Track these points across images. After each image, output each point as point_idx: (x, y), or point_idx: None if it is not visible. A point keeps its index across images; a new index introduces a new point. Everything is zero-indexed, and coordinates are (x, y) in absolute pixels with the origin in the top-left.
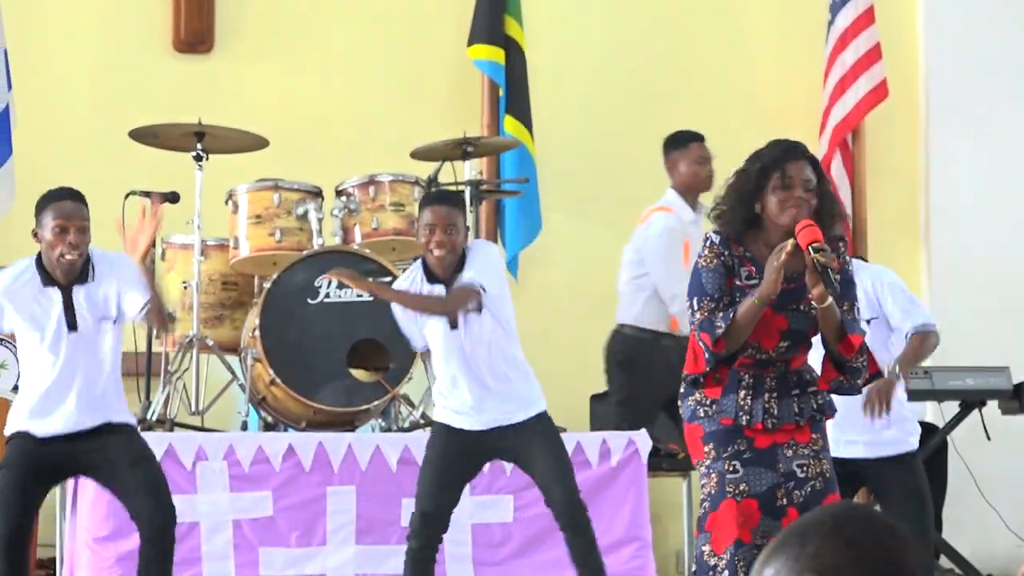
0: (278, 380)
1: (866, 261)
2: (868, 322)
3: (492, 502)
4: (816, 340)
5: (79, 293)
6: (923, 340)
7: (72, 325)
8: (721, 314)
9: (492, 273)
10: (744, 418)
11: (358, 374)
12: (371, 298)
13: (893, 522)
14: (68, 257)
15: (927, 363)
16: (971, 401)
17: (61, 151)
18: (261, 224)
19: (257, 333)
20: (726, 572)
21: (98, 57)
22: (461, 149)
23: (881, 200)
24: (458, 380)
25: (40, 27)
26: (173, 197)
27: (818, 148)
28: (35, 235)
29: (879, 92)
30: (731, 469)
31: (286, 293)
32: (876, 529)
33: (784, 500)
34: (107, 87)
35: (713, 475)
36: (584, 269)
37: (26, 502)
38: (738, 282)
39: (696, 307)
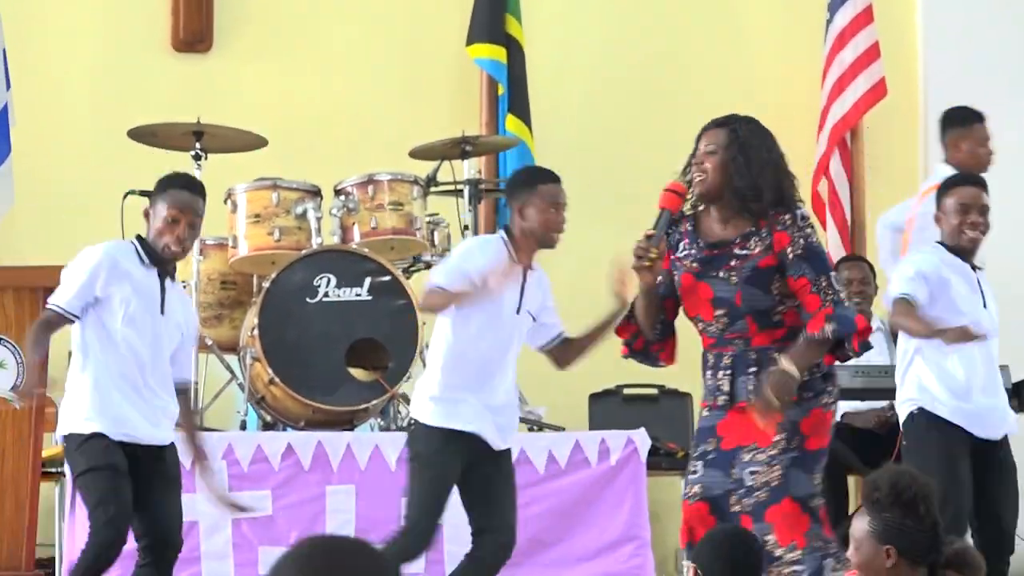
0: (277, 379)
1: (865, 260)
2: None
3: None
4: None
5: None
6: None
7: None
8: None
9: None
10: (709, 398)
11: (357, 373)
12: (369, 297)
13: None
14: (174, 249)
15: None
16: None
17: (60, 150)
18: (260, 223)
19: (256, 332)
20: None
21: (97, 56)
22: (460, 148)
23: (879, 198)
24: (492, 372)
25: (39, 26)
26: None
27: (816, 146)
28: (146, 214)
29: (878, 91)
30: (693, 470)
31: (285, 292)
32: None
33: (737, 507)
34: (106, 86)
35: (687, 474)
36: (584, 267)
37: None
38: (673, 256)
39: None
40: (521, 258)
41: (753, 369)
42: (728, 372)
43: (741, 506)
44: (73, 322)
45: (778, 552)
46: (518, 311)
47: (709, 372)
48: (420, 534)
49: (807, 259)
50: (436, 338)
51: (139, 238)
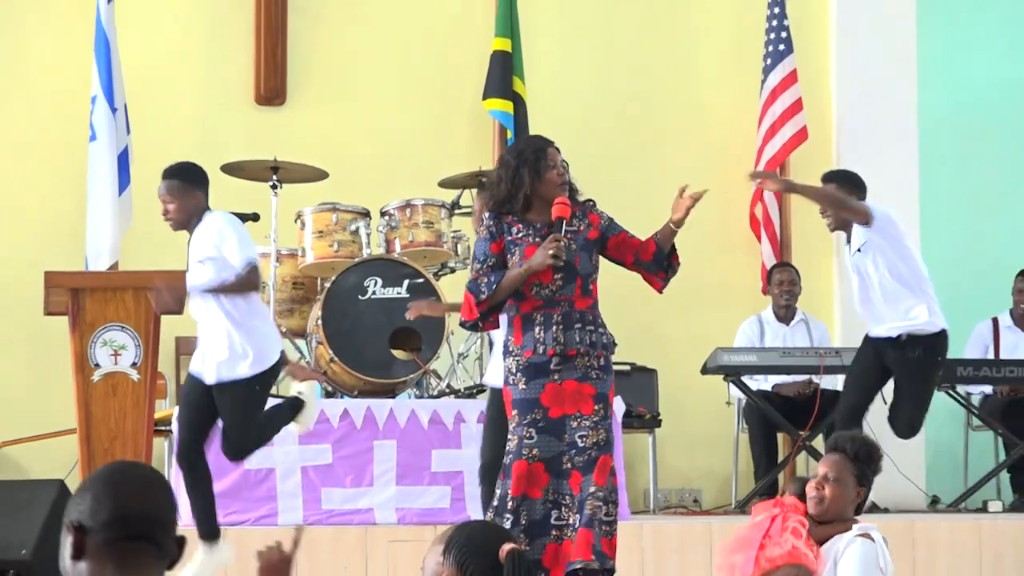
0: (336, 359)
1: (792, 266)
2: None
3: None
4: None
5: None
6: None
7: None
8: (486, 279)
9: None
10: (540, 347)
11: (398, 354)
12: (407, 295)
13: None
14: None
15: (839, 344)
16: None
17: None
18: (322, 238)
19: (319, 322)
20: (510, 516)
21: (197, 108)
22: (477, 179)
23: (802, 218)
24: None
25: (152, 84)
26: (255, 217)
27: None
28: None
29: (800, 136)
30: (528, 435)
31: (342, 291)
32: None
33: (568, 464)
34: (203, 131)
35: (514, 438)
36: None
37: None
38: (509, 237)
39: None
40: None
41: (578, 326)
42: (560, 327)
43: (572, 463)
44: None
45: (592, 489)
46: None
47: (537, 328)
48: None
49: (611, 222)
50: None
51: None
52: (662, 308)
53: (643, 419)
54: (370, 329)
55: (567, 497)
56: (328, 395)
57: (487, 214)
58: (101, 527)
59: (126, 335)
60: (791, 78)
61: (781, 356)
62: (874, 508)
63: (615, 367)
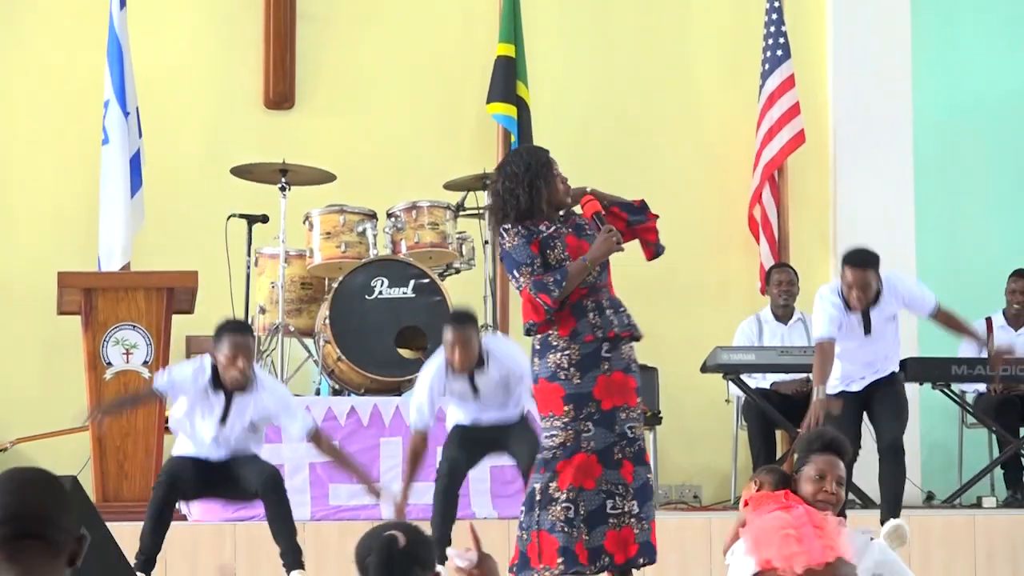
0: (343, 357)
1: (790, 267)
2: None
3: None
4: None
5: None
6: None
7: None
8: (552, 277)
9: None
10: (599, 332)
11: (403, 352)
12: (413, 295)
13: None
14: (237, 377)
15: None
16: None
17: (179, 183)
18: (330, 239)
19: (327, 321)
20: (570, 505)
21: (208, 112)
22: (481, 181)
23: (800, 220)
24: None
25: (163, 89)
26: (264, 219)
27: (752, 180)
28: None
29: (798, 139)
30: (585, 429)
31: (349, 291)
32: None
33: (619, 455)
34: (214, 135)
35: (570, 431)
36: None
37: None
38: (543, 235)
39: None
40: None
41: (620, 309)
42: (608, 311)
43: (623, 453)
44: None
45: (651, 486)
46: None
47: (592, 314)
48: None
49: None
50: None
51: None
52: (662, 308)
53: (644, 416)
54: (376, 328)
55: (620, 487)
56: (335, 393)
57: (507, 226)
58: None
59: (137, 334)
60: (789, 83)
61: (779, 355)
62: (870, 504)
63: None
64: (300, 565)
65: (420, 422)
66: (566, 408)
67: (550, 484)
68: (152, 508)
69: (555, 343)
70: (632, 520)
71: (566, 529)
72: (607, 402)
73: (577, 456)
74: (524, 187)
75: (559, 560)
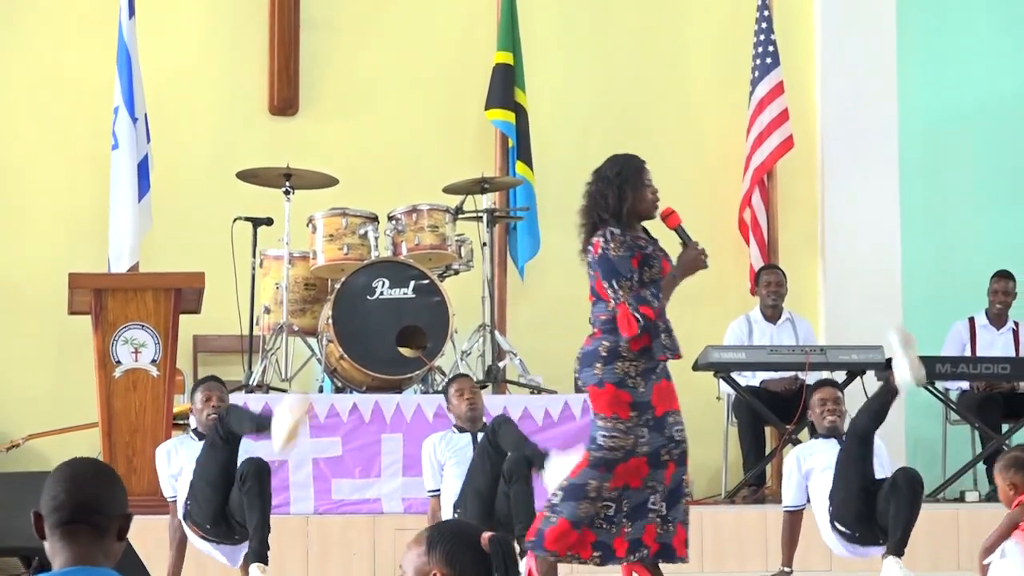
0: (346, 356)
1: (779, 268)
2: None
3: None
4: None
5: None
6: None
7: None
8: (649, 291)
9: None
10: (668, 354)
11: (404, 351)
12: (413, 296)
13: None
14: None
15: (823, 342)
16: (855, 371)
17: (186, 187)
18: (333, 241)
19: (330, 321)
20: (612, 504)
21: (214, 118)
22: (480, 186)
23: (789, 223)
24: None
25: (171, 96)
26: (268, 221)
27: (742, 184)
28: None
29: (787, 144)
30: (642, 435)
31: (352, 292)
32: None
33: (666, 456)
34: (220, 140)
35: (631, 437)
36: (570, 274)
37: None
38: (646, 252)
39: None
40: None
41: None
42: (672, 332)
43: (669, 456)
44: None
45: (686, 488)
46: None
47: (663, 335)
48: None
49: None
50: None
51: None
52: None
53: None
54: (378, 328)
55: (660, 485)
56: (338, 390)
57: (614, 229)
58: (48, 514)
59: (146, 333)
60: (778, 90)
61: (768, 354)
62: None
63: None
64: (262, 559)
65: (432, 483)
66: (632, 414)
67: (604, 484)
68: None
69: (624, 353)
70: (658, 520)
71: (604, 526)
72: (660, 408)
73: (633, 460)
74: (613, 191)
75: (595, 554)
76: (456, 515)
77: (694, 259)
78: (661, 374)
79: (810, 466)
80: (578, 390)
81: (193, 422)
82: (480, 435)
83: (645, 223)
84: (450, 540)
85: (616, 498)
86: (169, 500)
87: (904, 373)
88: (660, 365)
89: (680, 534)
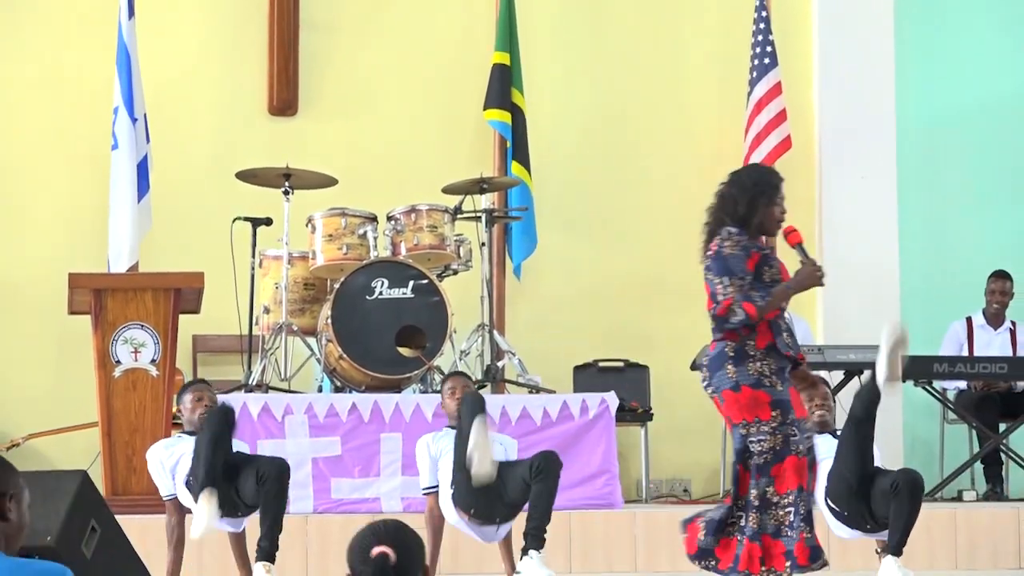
0: (345, 355)
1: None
2: None
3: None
4: None
5: None
6: None
7: None
8: (758, 293)
9: None
10: (791, 351)
11: (403, 351)
12: (412, 296)
13: None
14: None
15: (821, 341)
16: (852, 370)
17: (186, 187)
18: (332, 241)
19: (329, 321)
20: (791, 508)
21: (214, 119)
22: (479, 186)
23: (787, 223)
24: None
25: (171, 96)
26: (268, 221)
27: None
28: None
29: (785, 144)
30: (793, 433)
31: (351, 292)
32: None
33: (810, 456)
34: (220, 140)
35: (779, 436)
36: (568, 274)
37: None
38: (765, 252)
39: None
40: None
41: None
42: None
43: (810, 456)
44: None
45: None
46: None
47: (785, 333)
48: None
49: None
50: None
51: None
52: (653, 307)
53: (635, 413)
54: (377, 328)
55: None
56: (337, 390)
57: (733, 229)
58: None
59: (145, 333)
60: (776, 90)
61: None
62: None
63: (608, 364)
64: (270, 558)
65: (428, 480)
66: (773, 413)
67: (767, 489)
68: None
69: (752, 353)
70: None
71: (789, 533)
72: (797, 412)
73: (789, 459)
74: (746, 199)
75: (787, 564)
76: (457, 510)
77: (810, 274)
78: (788, 382)
79: None
80: (577, 390)
81: (185, 424)
82: None
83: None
84: (350, 550)
85: (793, 503)
86: (166, 499)
87: (880, 372)
88: (788, 367)
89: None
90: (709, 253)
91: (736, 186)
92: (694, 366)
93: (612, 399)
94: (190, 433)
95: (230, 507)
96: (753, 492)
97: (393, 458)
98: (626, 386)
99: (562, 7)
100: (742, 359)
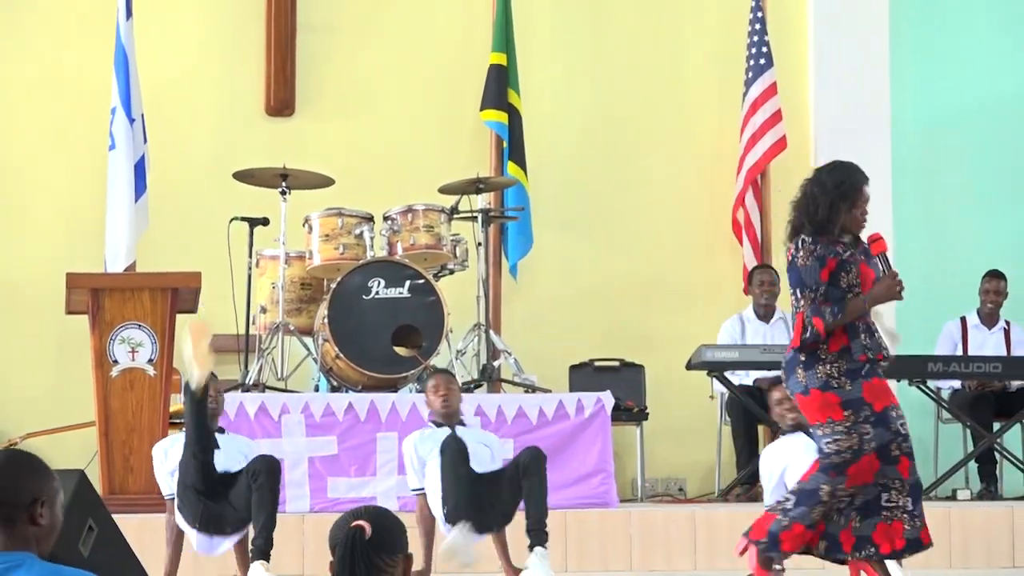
0: (341, 355)
1: (772, 268)
2: None
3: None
4: None
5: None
6: None
7: None
8: (829, 308)
9: None
10: (869, 353)
11: (399, 350)
12: (409, 295)
13: None
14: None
15: None
16: None
17: (183, 187)
18: (329, 241)
19: (326, 321)
20: (847, 499)
21: (212, 119)
22: (475, 186)
23: (782, 222)
24: None
25: (168, 97)
26: (265, 221)
27: (736, 184)
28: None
29: (780, 145)
30: (865, 431)
31: (347, 292)
32: None
33: (896, 451)
34: (218, 141)
35: (855, 435)
36: (565, 273)
37: None
38: (840, 258)
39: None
40: None
41: (875, 331)
42: (875, 334)
43: (900, 450)
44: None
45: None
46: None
47: (863, 335)
48: None
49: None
50: None
51: None
52: (649, 307)
53: (631, 412)
54: (373, 327)
55: (896, 481)
56: (334, 389)
57: (807, 238)
58: None
59: (143, 333)
60: (771, 91)
61: (761, 352)
62: None
63: (604, 363)
64: (265, 556)
65: (415, 482)
66: (845, 413)
67: (838, 487)
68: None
69: (823, 356)
70: (904, 516)
71: (835, 518)
72: (878, 404)
73: (864, 458)
74: (826, 201)
75: (822, 543)
76: (444, 511)
77: (888, 287)
78: (871, 373)
79: (785, 463)
80: (573, 389)
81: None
82: (458, 428)
83: None
84: (331, 531)
85: (852, 495)
86: (166, 498)
87: None
88: (866, 366)
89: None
90: (787, 258)
91: (818, 185)
92: (689, 365)
93: (608, 398)
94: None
95: (227, 525)
96: (824, 488)
97: (389, 457)
98: (622, 386)
99: (561, 7)
100: (812, 363)
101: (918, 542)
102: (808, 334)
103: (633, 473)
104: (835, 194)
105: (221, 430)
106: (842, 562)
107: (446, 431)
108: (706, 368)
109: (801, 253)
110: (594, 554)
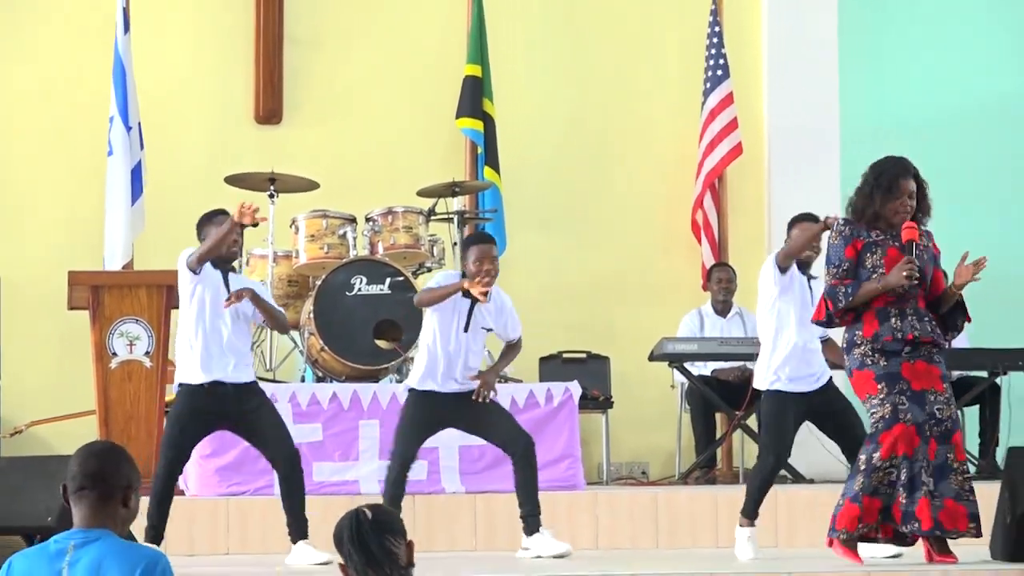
0: (326, 348)
1: (729, 266)
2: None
3: None
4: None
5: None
6: None
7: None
8: (844, 289)
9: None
10: (897, 334)
11: (381, 343)
12: (389, 292)
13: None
14: (233, 250)
15: None
16: None
17: (177, 191)
18: (314, 241)
19: (311, 315)
20: (893, 469)
21: (204, 126)
22: (451, 189)
23: (738, 223)
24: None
25: (164, 105)
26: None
27: (695, 187)
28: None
29: (736, 151)
30: (901, 403)
31: (332, 288)
32: None
33: (928, 432)
34: (210, 147)
35: (888, 405)
36: (535, 272)
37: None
38: (868, 240)
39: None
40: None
41: (926, 319)
42: (913, 318)
43: (931, 431)
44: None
45: (955, 465)
46: (466, 329)
47: (894, 319)
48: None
49: (932, 259)
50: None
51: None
52: (614, 303)
53: (597, 401)
54: (356, 321)
55: (926, 462)
56: (319, 380)
57: (842, 221)
58: (68, 483)
59: (140, 327)
60: (728, 100)
61: (719, 345)
62: (799, 479)
63: (572, 355)
64: (304, 535)
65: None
66: (879, 387)
67: (874, 455)
68: (158, 483)
69: (859, 341)
70: (929, 495)
71: (888, 491)
72: (916, 384)
73: (897, 426)
74: (866, 190)
75: (879, 517)
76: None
77: (896, 272)
78: (912, 355)
79: None
80: (542, 379)
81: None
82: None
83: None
84: (337, 525)
85: (894, 466)
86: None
87: None
88: (904, 347)
89: (952, 508)
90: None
91: (864, 176)
92: (651, 357)
93: (575, 388)
94: (214, 264)
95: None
96: (862, 457)
97: (371, 443)
98: (588, 376)
99: (536, 20)
100: (852, 347)
101: (940, 523)
102: (826, 314)
103: (599, 458)
104: (873, 184)
105: (233, 269)
106: (910, 542)
107: (468, 302)
108: (667, 360)
109: (833, 233)
110: (563, 534)
